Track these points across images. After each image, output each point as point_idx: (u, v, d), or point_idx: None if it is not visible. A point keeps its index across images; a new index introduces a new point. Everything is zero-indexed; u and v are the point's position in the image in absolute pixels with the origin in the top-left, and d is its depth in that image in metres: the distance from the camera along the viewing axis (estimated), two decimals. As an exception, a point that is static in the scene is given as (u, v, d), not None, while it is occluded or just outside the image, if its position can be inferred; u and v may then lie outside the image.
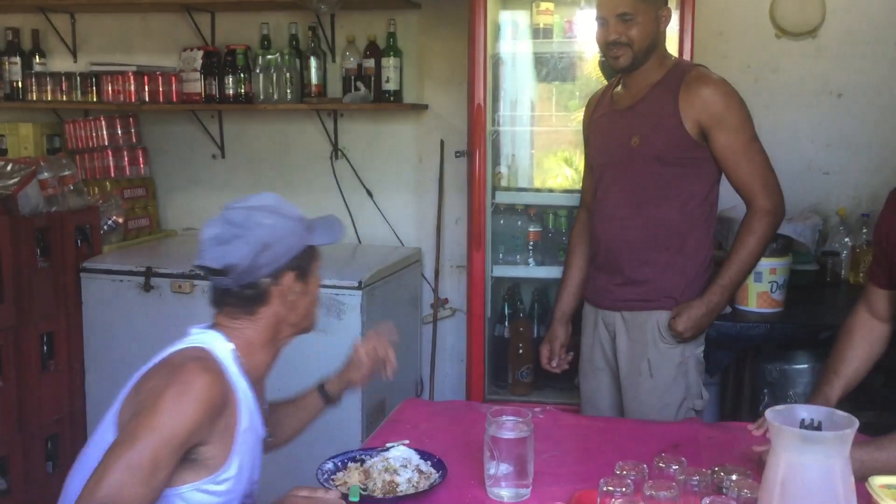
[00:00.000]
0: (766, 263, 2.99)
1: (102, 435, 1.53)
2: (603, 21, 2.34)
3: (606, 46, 2.36)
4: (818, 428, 1.33)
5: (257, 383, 1.66)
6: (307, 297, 1.68)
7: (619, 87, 2.48)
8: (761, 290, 3.01)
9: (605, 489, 1.48)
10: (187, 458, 1.48)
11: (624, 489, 1.48)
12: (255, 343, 1.63)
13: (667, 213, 2.37)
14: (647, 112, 2.37)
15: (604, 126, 2.50)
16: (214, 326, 1.64)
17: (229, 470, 1.54)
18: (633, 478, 1.53)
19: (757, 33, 3.42)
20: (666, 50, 2.45)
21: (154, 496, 1.42)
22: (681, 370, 2.39)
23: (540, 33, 3.14)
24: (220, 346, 1.59)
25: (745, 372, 3.17)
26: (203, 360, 1.53)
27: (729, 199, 3.36)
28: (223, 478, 1.54)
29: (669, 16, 2.40)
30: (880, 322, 2.05)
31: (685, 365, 2.40)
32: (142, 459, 1.39)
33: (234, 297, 1.61)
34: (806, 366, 2.85)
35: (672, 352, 2.38)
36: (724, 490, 1.54)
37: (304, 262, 1.65)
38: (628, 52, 2.33)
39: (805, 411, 1.36)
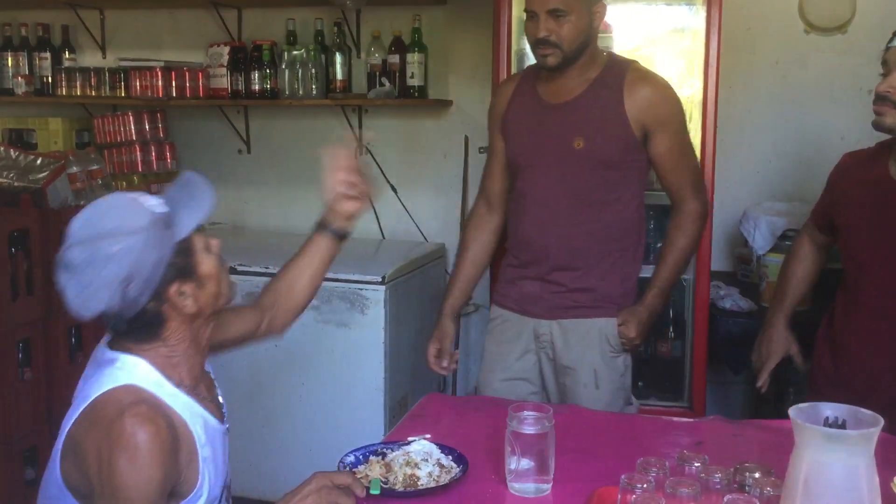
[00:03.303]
0: (792, 261, 2.96)
1: (50, 490, 1.45)
2: (533, 15, 2.19)
3: (535, 43, 2.22)
4: (842, 426, 1.32)
5: (197, 384, 1.54)
6: (207, 285, 1.48)
7: (544, 80, 2.32)
8: (787, 288, 2.97)
9: (626, 485, 1.48)
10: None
11: (645, 486, 1.47)
12: (177, 357, 1.48)
13: (609, 218, 2.28)
14: (588, 112, 2.25)
15: (531, 122, 2.32)
16: (127, 350, 1.46)
17: (202, 488, 1.48)
18: (654, 475, 1.52)
19: (786, 28, 3.38)
20: (597, 45, 2.31)
21: None
22: (623, 379, 2.34)
23: (565, 29, 3.11)
24: (145, 372, 1.44)
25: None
26: (135, 405, 1.35)
27: (753, 198, 3.36)
28: (197, 497, 1.48)
29: (604, 11, 2.27)
30: (819, 249, 2.35)
31: (626, 373, 2.35)
32: None
33: (128, 330, 1.44)
34: (833, 365, 2.82)
35: (616, 361, 2.32)
36: (746, 488, 1.52)
37: (181, 262, 1.43)
38: (557, 52, 2.19)
39: (829, 409, 1.34)
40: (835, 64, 3.36)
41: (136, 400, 1.38)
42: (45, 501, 1.49)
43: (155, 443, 1.33)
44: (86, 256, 1.37)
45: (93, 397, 1.40)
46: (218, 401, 1.65)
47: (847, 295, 2.18)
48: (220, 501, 1.58)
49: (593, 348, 2.30)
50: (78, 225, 1.41)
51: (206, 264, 1.48)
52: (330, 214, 1.85)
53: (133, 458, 1.31)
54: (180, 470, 1.42)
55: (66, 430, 1.42)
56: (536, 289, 2.34)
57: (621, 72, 2.26)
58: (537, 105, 2.33)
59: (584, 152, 2.24)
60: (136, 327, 1.44)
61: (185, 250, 1.45)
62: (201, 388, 1.58)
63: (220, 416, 1.61)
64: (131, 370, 1.44)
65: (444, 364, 2.44)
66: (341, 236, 1.85)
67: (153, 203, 1.44)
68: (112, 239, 1.37)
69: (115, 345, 1.48)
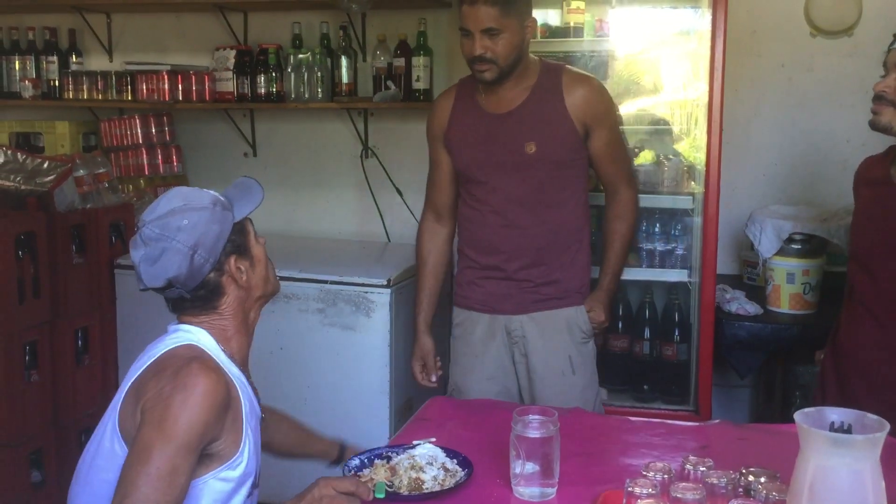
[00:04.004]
0: (799, 265, 2.97)
1: (102, 443, 1.54)
2: (467, 33, 2.29)
3: (472, 60, 2.30)
4: (848, 431, 1.31)
5: (244, 366, 1.69)
6: (258, 266, 1.67)
7: (483, 92, 2.41)
8: (794, 292, 2.98)
9: (631, 490, 1.47)
10: (203, 453, 1.50)
11: (650, 490, 1.47)
12: (230, 331, 1.65)
13: (566, 215, 2.41)
14: (535, 117, 2.35)
15: (478, 134, 2.40)
16: (188, 322, 1.64)
17: (243, 454, 1.57)
18: (659, 479, 1.52)
19: (791, 32, 3.38)
20: (528, 54, 2.39)
21: (180, 500, 1.44)
22: (594, 363, 2.49)
23: (571, 32, 3.12)
24: (205, 339, 1.61)
25: (777, 374, 3.14)
26: (200, 358, 1.53)
27: (759, 201, 3.35)
28: (238, 462, 1.57)
29: (535, 25, 2.42)
30: None
31: (594, 357, 2.49)
32: (161, 471, 1.40)
33: (191, 301, 1.61)
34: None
35: (587, 347, 2.46)
36: (751, 493, 1.52)
37: (238, 240, 1.64)
38: (494, 67, 2.28)
39: (835, 414, 1.34)
40: (841, 67, 3.35)
41: (201, 354, 1.56)
42: (94, 458, 1.56)
43: (211, 391, 1.47)
44: (159, 230, 1.56)
45: (159, 354, 1.57)
46: (256, 389, 1.73)
47: (851, 297, 2.18)
48: (254, 479, 1.63)
49: (565, 337, 2.42)
50: (150, 210, 1.61)
51: (258, 249, 1.69)
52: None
53: (187, 397, 1.45)
54: (223, 429, 1.53)
55: (131, 381, 1.55)
56: (503, 288, 2.43)
57: (557, 76, 2.38)
58: (481, 117, 2.41)
59: (536, 156, 2.34)
60: (198, 297, 1.61)
61: (241, 230, 1.65)
62: (246, 371, 1.69)
63: (259, 404, 1.71)
64: (196, 334, 1.61)
65: (434, 379, 2.54)
66: (338, 462, 1.97)
67: (212, 191, 1.65)
68: (181, 214, 1.57)
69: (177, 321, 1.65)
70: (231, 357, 1.63)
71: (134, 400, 1.52)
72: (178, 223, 1.56)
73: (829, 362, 2.23)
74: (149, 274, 1.57)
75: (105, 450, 1.54)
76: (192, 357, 1.53)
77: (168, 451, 1.41)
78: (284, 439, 1.96)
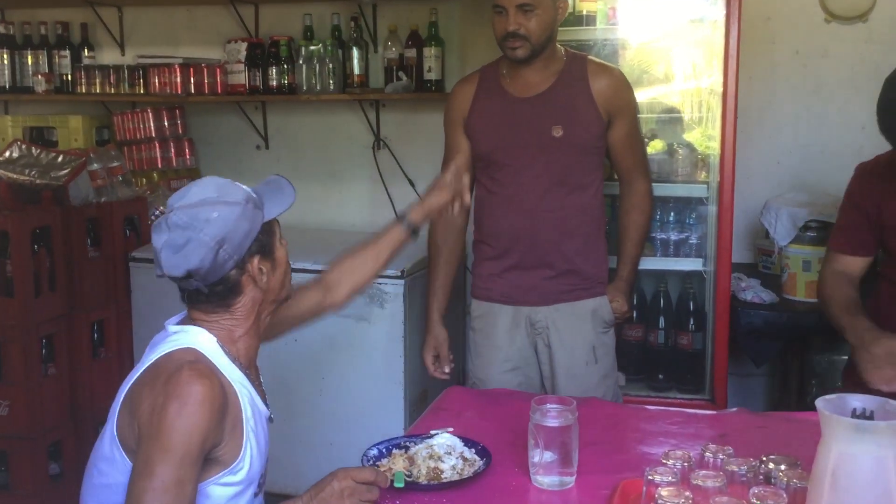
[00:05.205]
0: (815, 252, 2.95)
1: (103, 447, 1.53)
2: (501, 10, 2.31)
3: (504, 37, 2.32)
4: (870, 417, 1.31)
5: (249, 366, 1.65)
6: (278, 271, 1.63)
7: (509, 77, 2.43)
8: (810, 280, 2.97)
9: (651, 478, 1.47)
10: (205, 457, 1.48)
11: (670, 478, 1.46)
12: (239, 331, 1.60)
13: (587, 201, 2.43)
14: (562, 101, 2.37)
15: (502, 117, 2.42)
16: (193, 321, 1.60)
17: (243, 459, 1.54)
18: (679, 467, 1.52)
19: (806, 18, 3.35)
20: (556, 41, 2.42)
21: None
22: (613, 351, 2.51)
23: (584, 20, 3.11)
24: (205, 341, 1.56)
25: (793, 363, 3.13)
26: (194, 363, 1.48)
27: (774, 189, 3.33)
28: (239, 467, 1.54)
29: (566, 7, 2.41)
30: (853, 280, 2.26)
31: (614, 346, 2.52)
32: (166, 484, 1.38)
33: (206, 295, 1.56)
34: (856, 357, 2.80)
35: (608, 336, 2.49)
36: (772, 480, 1.51)
37: (264, 241, 1.59)
38: (527, 44, 2.31)
39: (857, 401, 1.33)
40: (856, 53, 3.32)
41: (195, 359, 1.51)
42: (96, 462, 1.55)
43: (206, 398, 1.43)
44: (188, 219, 1.51)
45: (155, 358, 1.52)
46: (263, 390, 1.71)
47: (890, 284, 2.15)
48: (258, 482, 1.62)
49: (588, 327, 2.44)
50: (180, 195, 1.56)
51: (281, 252, 1.65)
52: (419, 207, 2.01)
53: (183, 406, 1.41)
54: (223, 434, 1.50)
55: (126, 388, 1.52)
56: (526, 279, 2.43)
57: (583, 64, 2.42)
58: (506, 100, 2.42)
59: (563, 139, 2.36)
60: (215, 292, 1.56)
61: (268, 231, 1.61)
62: (252, 372, 1.67)
63: (266, 404, 1.69)
64: (194, 336, 1.56)
65: (447, 370, 2.52)
66: (415, 231, 2.00)
67: (245, 187, 1.59)
68: (213, 206, 1.52)
69: (179, 323, 1.62)
70: (235, 359, 1.59)
71: (129, 408, 1.49)
72: (207, 215, 1.51)
73: None
74: (170, 262, 1.52)
75: (105, 455, 1.52)
76: (183, 364, 1.47)
77: (170, 464, 1.39)
78: (364, 269, 1.97)
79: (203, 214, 1.51)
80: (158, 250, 1.53)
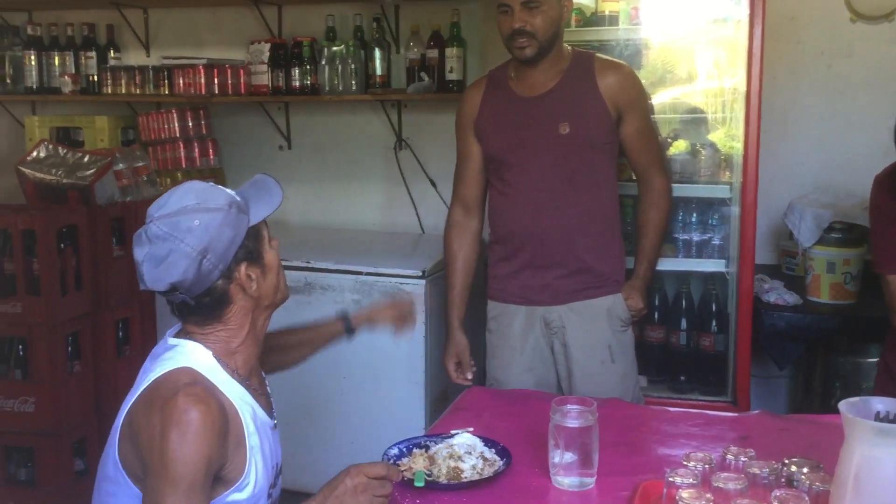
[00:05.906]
0: (839, 254, 2.93)
1: (107, 465, 1.53)
2: (507, 9, 2.29)
3: (510, 36, 2.31)
4: (894, 421, 1.30)
5: (250, 376, 1.60)
6: (269, 275, 1.57)
7: (516, 78, 2.43)
8: (834, 281, 2.94)
9: (672, 480, 1.47)
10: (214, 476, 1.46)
11: (691, 480, 1.46)
12: (235, 342, 1.55)
13: (599, 199, 2.41)
14: (568, 98, 2.36)
15: (510, 117, 2.41)
16: (188, 335, 1.55)
17: (249, 475, 1.51)
18: (700, 469, 1.51)
19: (831, 17, 3.32)
20: (563, 36, 2.42)
21: None
22: (632, 350, 2.48)
23: (606, 20, 3.10)
24: (202, 357, 1.51)
25: (817, 365, 3.10)
26: (190, 385, 1.43)
27: (797, 190, 3.30)
28: (245, 484, 1.51)
29: (571, 5, 2.40)
30: None
31: (633, 344, 2.48)
32: None
33: (194, 308, 1.50)
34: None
35: (625, 335, 2.46)
36: (794, 483, 1.50)
37: (251, 246, 1.52)
38: (533, 42, 2.29)
39: (880, 404, 1.32)
40: (881, 53, 3.29)
41: (191, 381, 1.45)
42: (102, 481, 1.56)
43: (206, 422, 1.38)
44: (168, 229, 1.45)
45: (152, 379, 1.47)
46: (268, 397, 1.68)
47: None
48: (268, 493, 1.59)
49: (604, 325, 2.41)
50: (159, 205, 1.49)
51: (270, 255, 1.58)
52: (365, 313, 2.05)
53: (184, 434, 1.37)
54: (227, 453, 1.46)
55: (126, 410, 1.49)
56: (540, 278, 2.41)
57: (589, 61, 2.40)
58: (514, 101, 2.42)
59: (570, 136, 2.34)
60: (202, 304, 1.50)
61: (255, 235, 1.53)
62: (254, 380, 1.62)
63: (270, 412, 1.65)
64: (189, 354, 1.51)
65: (469, 376, 2.51)
66: (351, 331, 2.01)
67: (229, 191, 1.54)
68: (193, 214, 1.46)
69: (176, 334, 1.57)
70: (233, 372, 1.54)
71: (129, 434, 1.47)
72: (188, 223, 1.44)
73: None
74: (152, 275, 1.46)
75: (110, 477, 1.51)
76: (179, 388, 1.41)
77: (179, 496, 1.36)
78: (296, 353, 1.96)
79: (184, 223, 1.45)
80: (140, 263, 1.47)
